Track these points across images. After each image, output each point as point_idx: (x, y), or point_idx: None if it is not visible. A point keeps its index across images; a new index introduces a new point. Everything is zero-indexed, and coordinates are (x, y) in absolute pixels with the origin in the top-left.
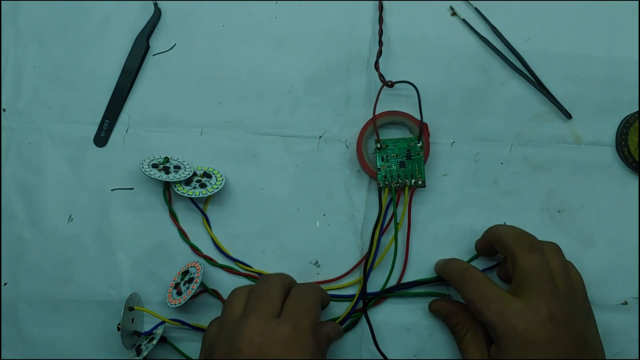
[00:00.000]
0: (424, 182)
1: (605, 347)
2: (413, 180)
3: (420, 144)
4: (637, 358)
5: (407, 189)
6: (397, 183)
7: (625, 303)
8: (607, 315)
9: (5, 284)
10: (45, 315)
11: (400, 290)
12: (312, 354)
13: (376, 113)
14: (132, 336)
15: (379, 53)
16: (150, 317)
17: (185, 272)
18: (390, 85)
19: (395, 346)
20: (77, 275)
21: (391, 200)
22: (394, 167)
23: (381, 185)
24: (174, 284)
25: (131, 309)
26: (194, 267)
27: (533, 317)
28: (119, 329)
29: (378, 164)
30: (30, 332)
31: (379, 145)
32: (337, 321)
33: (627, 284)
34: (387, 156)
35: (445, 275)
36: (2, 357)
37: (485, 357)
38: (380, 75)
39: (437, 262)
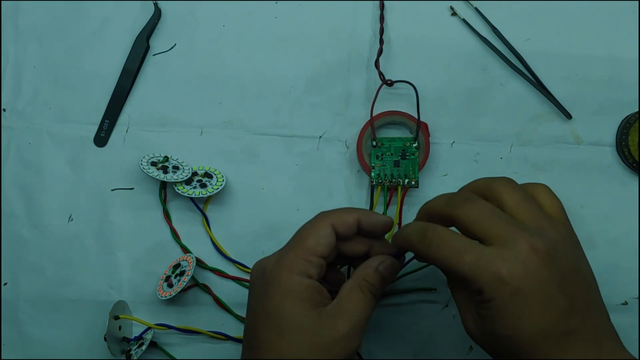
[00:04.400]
0: (417, 182)
1: None
2: (406, 180)
3: (416, 144)
4: (637, 358)
5: (399, 188)
6: (390, 182)
7: (626, 303)
8: None
9: (5, 284)
10: (45, 315)
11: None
12: (286, 288)
13: (377, 113)
14: (120, 342)
15: (380, 51)
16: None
17: (177, 265)
18: (390, 84)
19: (395, 346)
20: (77, 275)
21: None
22: (388, 166)
23: (374, 183)
24: (164, 277)
25: (116, 317)
26: (186, 260)
27: (514, 258)
28: (105, 339)
29: (372, 162)
30: (30, 332)
31: (374, 143)
32: None
33: (627, 284)
34: (382, 154)
35: (404, 243)
36: (2, 357)
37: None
38: (380, 74)
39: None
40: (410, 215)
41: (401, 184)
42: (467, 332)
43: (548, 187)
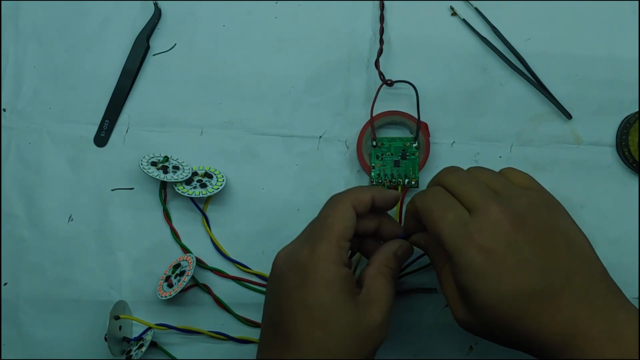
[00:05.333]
0: (417, 182)
1: None
2: (407, 180)
3: (416, 144)
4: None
5: (400, 188)
6: (391, 182)
7: None
8: None
9: (5, 284)
10: (45, 315)
11: None
12: (325, 280)
13: (377, 113)
14: (121, 342)
15: (380, 51)
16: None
17: (177, 265)
18: (390, 84)
19: (395, 346)
20: (77, 275)
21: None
22: (388, 166)
23: (374, 183)
24: (164, 277)
25: (117, 317)
26: (186, 260)
27: (486, 222)
28: (106, 339)
29: (372, 162)
30: (30, 332)
31: (374, 143)
32: None
33: (627, 284)
34: (382, 154)
35: (409, 205)
36: (2, 357)
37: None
38: (380, 74)
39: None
40: None
41: (401, 183)
42: (459, 322)
43: (514, 168)
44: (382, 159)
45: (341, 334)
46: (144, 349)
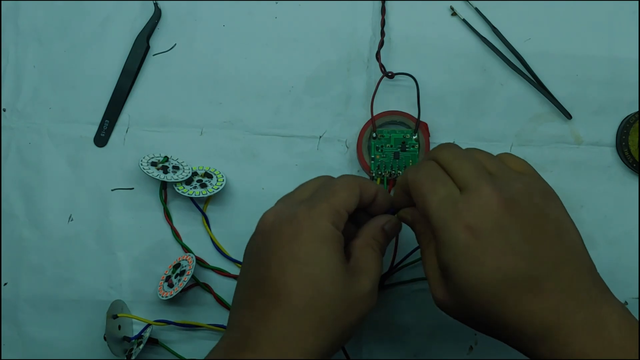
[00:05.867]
0: None
1: None
2: None
3: (416, 136)
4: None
5: None
6: (390, 174)
7: (626, 303)
8: None
9: (5, 284)
10: (45, 315)
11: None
12: (321, 235)
13: (377, 112)
14: (121, 342)
15: (381, 43)
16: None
17: (177, 265)
18: (391, 76)
19: (395, 346)
20: (77, 275)
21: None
22: (388, 158)
23: (374, 174)
24: (165, 277)
25: (115, 316)
26: (186, 260)
27: (476, 202)
28: (105, 339)
29: (372, 154)
30: (30, 332)
31: (374, 134)
32: None
33: (627, 284)
34: (382, 146)
35: (400, 179)
36: (2, 357)
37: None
38: (381, 66)
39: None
40: None
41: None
42: (437, 303)
43: (512, 154)
44: (382, 150)
45: (332, 294)
46: (142, 346)
